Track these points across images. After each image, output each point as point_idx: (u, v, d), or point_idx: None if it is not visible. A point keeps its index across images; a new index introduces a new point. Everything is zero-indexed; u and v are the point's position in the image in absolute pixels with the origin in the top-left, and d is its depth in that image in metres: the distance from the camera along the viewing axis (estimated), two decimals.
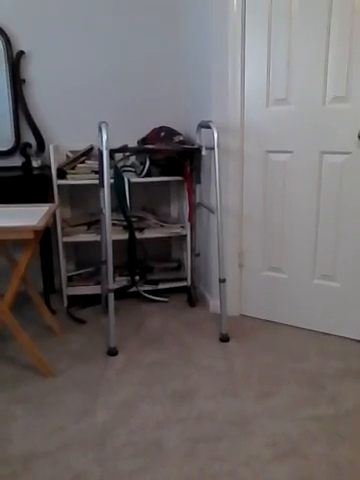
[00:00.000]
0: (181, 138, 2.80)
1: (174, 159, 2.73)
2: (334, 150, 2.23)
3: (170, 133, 2.82)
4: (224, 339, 2.37)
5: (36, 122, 2.86)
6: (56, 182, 2.67)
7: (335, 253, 2.33)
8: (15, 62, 2.76)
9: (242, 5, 2.28)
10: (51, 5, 2.77)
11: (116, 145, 2.55)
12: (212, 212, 2.51)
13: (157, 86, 2.99)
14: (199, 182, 2.71)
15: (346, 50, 2.09)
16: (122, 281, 2.83)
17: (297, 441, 1.65)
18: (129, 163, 2.84)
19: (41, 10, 2.76)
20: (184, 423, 1.76)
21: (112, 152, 2.50)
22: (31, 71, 2.83)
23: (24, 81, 2.81)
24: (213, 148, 2.31)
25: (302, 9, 2.15)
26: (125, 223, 2.70)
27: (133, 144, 2.86)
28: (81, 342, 2.39)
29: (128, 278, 2.82)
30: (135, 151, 2.83)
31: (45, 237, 2.63)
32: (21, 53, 2.77)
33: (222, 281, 2.37)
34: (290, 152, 2.34)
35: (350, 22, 2.05)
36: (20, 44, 2.77)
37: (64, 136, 2.92)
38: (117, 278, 2.81)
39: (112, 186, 2.41)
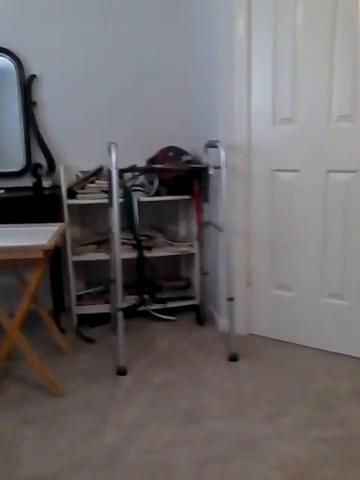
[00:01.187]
0: (189, 158, 2.83)
1: (182, 178, 2.75)
2: (340, 169, 2.24)
3: (178, 153, 2.85)
4: (233, 358, 2.36)
5: (47, 143, 2.91)
6: (66, 202, 2.71)
7: (343, 271, 2.32)
8: (27, 86, 2.83)
9: (248, 25, 2.32)
10: (61, 30, 2.84)
11: (125, 165, 2.59)
12: (220, 231, 2.52)
13: (165, 107, 3.04)
14: (207, 201, 2.73)
15: (351, 69, 2.11)
16: (131, 300, 2.83)
17: (307, 463, 1.63)
18: (138, 182, 2.87)
19: (51, 35, 2.83)
20: (193, 444, 1.75)
21: (121, 172, 2.53)
22: (42, 94, 2.89)
23: (35, 104, 2.87)
24: (220, 167, 2.33)
25: (307, 29, 2.19)
26: (134, 242, 2.72)
27: (142, 164, 2.89)
28: (90, 361, 2.39)
29: (137, 297, 2.83)
30: (144, 171, 2.86)
31: (55, 256, 2.66)
32: (33, 77, 2.84)
33: (230, 300, 2.37)
34: (296, 171, 2.36)
35: (355, 42, 2.08)
36: (32, 68, 2.84)
37: (74, 157, 2.97)
38: (126, 297, 2.82)
39: (121, 205, 2.43)
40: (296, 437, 1.78)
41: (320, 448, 1.71)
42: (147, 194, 2.80)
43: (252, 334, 2.65)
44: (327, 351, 2.42)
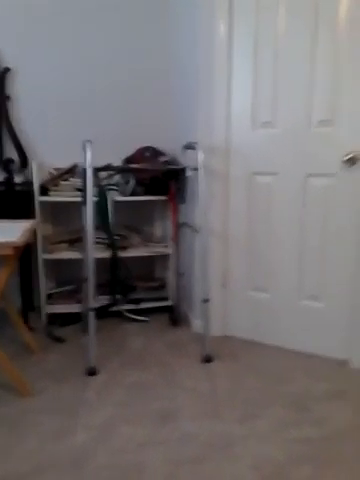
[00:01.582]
0: (166, 158, 2.81)
1: (159, 179, 2.73)
2: (319, 172, 2.26)
3: (155, 153, 2.84)
4: (207, 360, 2.33)
5: (19, 138, 2.84)
6: (38, 198, 2.64)
7: (320, 274, 2.33)
8: (0, 79, 2.75)
9: (229, 28, 2.33)
10: (37, 22, 2.78)
11: (101, 163, 2.54)
12: (196, 232, 2.50)
13: (143, 106, 3.01)
14: (184, 202, 2.71)
15: (331, 74, 2.14)
16: (103, 300, 2.78)
17: (282, 464, 1.61)
18: (113, 182, 2.83)
19: (27, 27, 2.78)
20: (166, 445, 1.70)
21: (96, 170, 2.49)
22: (16, 87, 2.82)
23: (8, 97, 2.80)
24: (198, 169, 2.32)
25: (288, 34, 2.21)
26: (108, 241, 2.67)
27: (118, 163, 2.85)
28: (60, 361, 2.31)
29: (109, 297, 2.77)
30: (119, 170, 2.82)
31: (25, 254, 2.58)
32: (6, 70, 2.77)
33: (205, 301, 2.35)
34: (275, 174, 2.37)
35: (335, 47, 2.11)
36: (6, 61, 2.77)
37: (48, 153, 2.90)
38: (98, 297, 2.75)
39: (95, 204, 2.39)
40: (271, 438, 1.75)
41: (296, 448, 1.69)
42: (123, 194, 2.76)
43: (227, 335, 2.62)
44: (303, 352, 2.42)
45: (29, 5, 2.76)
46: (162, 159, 2.80)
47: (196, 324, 2.65)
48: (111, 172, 2.79)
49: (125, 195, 2.75)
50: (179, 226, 2.75)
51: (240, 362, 2.33)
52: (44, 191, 2.68)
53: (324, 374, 2.22)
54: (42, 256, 2.69)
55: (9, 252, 1.84)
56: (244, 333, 2.59)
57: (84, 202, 2.34)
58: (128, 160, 2.86)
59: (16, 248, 1.86)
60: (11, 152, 2.83)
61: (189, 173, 2.59)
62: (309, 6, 2.14)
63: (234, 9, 2.32)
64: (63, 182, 2.72)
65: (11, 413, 1.88)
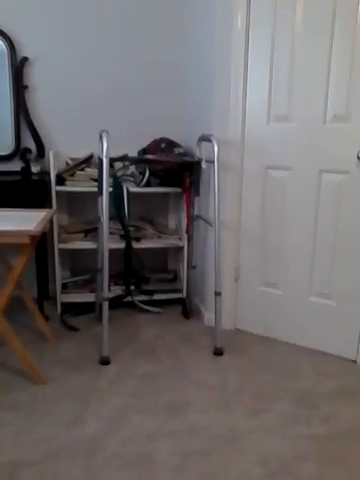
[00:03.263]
0: (181, 150, 2.81)
1: (173, 171, 2.73)
2: (333, 169, 2.24)
3: (170, 145, 2.83)
4: (218, 353, 2.36)
5: (37, 128, 2.86)
6: (55, 188, 2.67)
7: (332, 271, 2.33)
8: (18, 68, 2.77)
9: (246, 22, 2.31)
10: (56, 12, 2.78)
11: (116, 154, 2.56)
12: (210, 225, 2.51)
13: (159, 97, 3.01)
14: (198, 195, 2.71)
15: (347, 70, 2.11)
16: (117, 290, 2.81)
17: (288, 460, 1.64)
18: (129, 173, 2.84)
19: (46, 17, 2.78)
20: (175, 436, 1.74)
21: (112, 161, 2.50)
22: (34, 77, 2.83)
23: (27, 87, 2.82)
24: (213, 161, 2.32)
25: (305, 28, 2.18)
26: (122, 232, 2.69)
27: (133, 154, 2.86)
28: (74, 350, 2.36)
29: (123, 287, 2.80)
30: (135, 161, 2.83)
31: (41, 243, 2.62)
32: (25, 59, 2.78)
33: (218, 294, 2.37)
34: (289, 169, 2.35)
35: (352, 42, 2.08)
36: (24, 50, 2.78)
37: (65, 143, 2.92)
38: (112, 287, 2.79)
39: (111, 195, 2.41)
40: (278, 433, 1.78)
41: (302, 445, 1.72)
42: (137, 185, 2.77)
43: (238, 329, 2.64)
44: (312, 349, 2.43)
45: None
46: (177, 151, 2.80)
47: (208, 317, 2.67)
48: (126, 163, 2.80)
49: (140, 186, 2.76)
50: (193, 219, 2.76)
51: (250, 356, 2.36)
52: (60, 181, 2.70)
53: (333, 372, 2.23)
54: (58, 246, 2.73)
55: (26, 241, 1.86)
56: (255, 328, 2.60)
57: (100, 192, 2.36)
58: (143, 151, 2.87)
59: (33, 237, 1.88)
60: (28, 142, 2.86)
61: (204, 165, 2.59)
62: (327, 0, 2.10)
63: (252, 2, 2.29)
64: (79, 172, 2.74)
65: (24, 400, 1.93)
